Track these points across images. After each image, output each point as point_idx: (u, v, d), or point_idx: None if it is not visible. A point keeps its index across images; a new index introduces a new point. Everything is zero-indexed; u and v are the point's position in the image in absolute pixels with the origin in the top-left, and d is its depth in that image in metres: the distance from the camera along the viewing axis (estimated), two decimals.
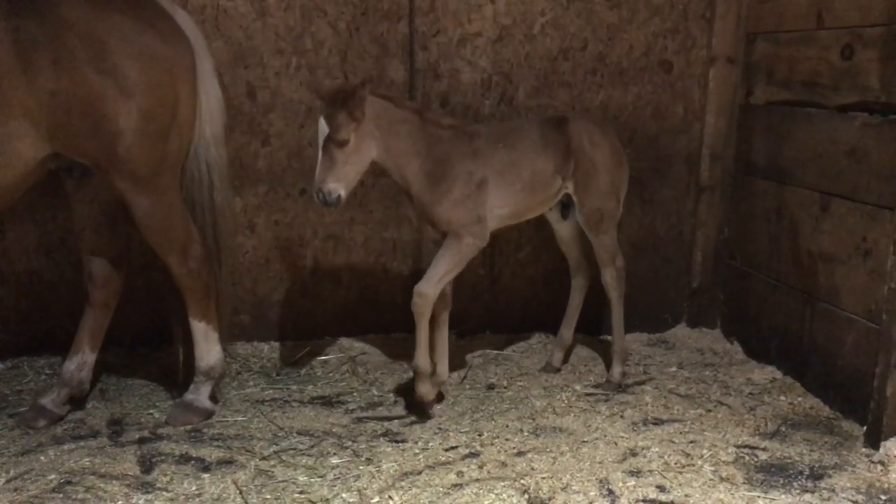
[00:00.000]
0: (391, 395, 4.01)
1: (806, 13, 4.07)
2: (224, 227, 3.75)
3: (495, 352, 4.55)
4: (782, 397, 4.02)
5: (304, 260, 4.58)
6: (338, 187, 3.40)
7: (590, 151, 3.83)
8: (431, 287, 3.56)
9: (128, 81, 3.25)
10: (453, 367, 4.23)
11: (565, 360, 4.33)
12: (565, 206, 4.00)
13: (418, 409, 3.60)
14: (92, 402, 3.86)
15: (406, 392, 3.99)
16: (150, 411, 3.79)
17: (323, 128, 3.38)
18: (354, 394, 4.02)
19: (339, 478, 3.22)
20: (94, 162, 3.33)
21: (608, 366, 4.22)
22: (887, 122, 3.56)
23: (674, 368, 4.40)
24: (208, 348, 3.69)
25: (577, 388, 4.11)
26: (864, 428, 3.58)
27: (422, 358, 3.64)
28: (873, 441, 3.49)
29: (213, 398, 3.78)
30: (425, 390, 3.67)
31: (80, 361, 3.74)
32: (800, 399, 3.99)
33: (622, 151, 4.02)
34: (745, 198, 4.65)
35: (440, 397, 3.86)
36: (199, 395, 3.72)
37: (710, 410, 3.87)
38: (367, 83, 3.42)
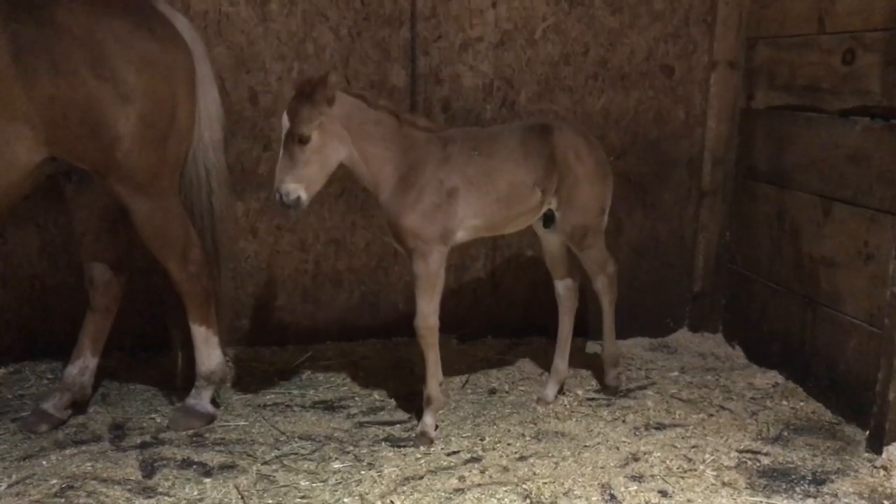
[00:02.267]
0: (393, 399, 4.01)
1: (807, 18, 4.08)
2: (223, 231, 3.74)
3: (497, 356, 4.54)
4: (784, 402, 4.02)
5: (305, 264, 4.58)
6: (297, 189, 3.21)
7: (575, 165, 3.61)
8: (430, 316, 3.47)
9: (126, 86, 3.26)
10: (455, 371, 4.23)
11: (560, 391, 4.04)
12: (547, 217, 3.77)
13: (421, 437, 3.54)
14: (94, 407, 3.85)
15: (408, 398, 4.00)
16: (152, 416, 3.79)
17: (285, 122, 3.20)
18: (356, 398, 4.02)
19: (340, 483, 3.22)
20: (93, 167, 3.34)
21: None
22: (888, 127, 3.56)
23: (675, 373, 4.40)
24: (209, 353, 3.69)
25: (579, 392, 4.10)
26: (867, 433, 3.57)
27: (434, 389, 3.58)
28: (876, 446, 3.48)
29: (214, 403, 3.78)
30: (432, 423, 3.58)
31: (82, 366, 3.74)
32: (802, 404, 3.99)
33: (607, 164, 3.81)
34: (747, 202, 4.65)
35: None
36: (201, 399, 3.72)
37: (712, 415, 3.86)
38: (334, 74, 3.22)
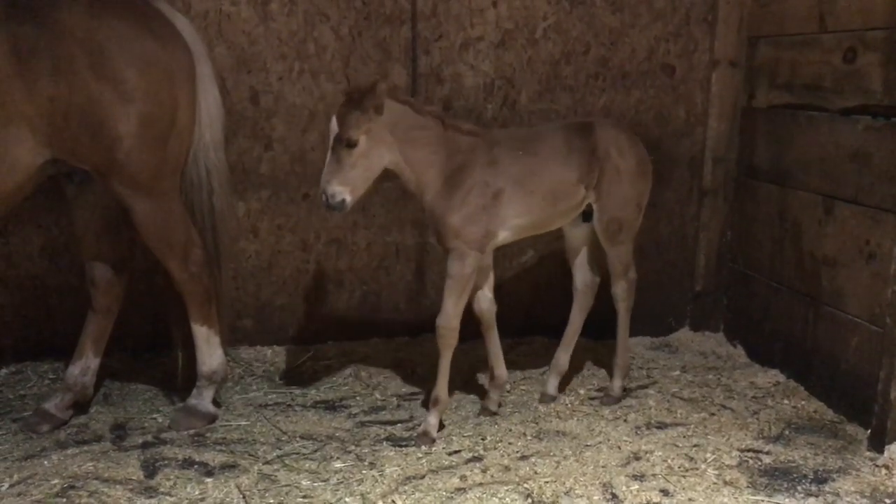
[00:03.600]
0: (394, 399, 4.01)
1: (808, 17, 4.08)
2: (224, 231, 3.74)
3: None
4: (786, 401, 4.02)
5: (306, 264, 4.58)
6: (342, 191, 3.28)
7: (616, 160, 3.66)
8: (454, 318, 3.49)
9: (127, 87, 3.26)
10: (457, 371, 4.22)
11: (561, 388, 4.08)
12: (585, 211, 3.79)
13: (422, 437, 3.54)
14: (95, 407, 3.86)
15: (409, 397, 4.00)
16: (154, 416, 3.79)
17: (334, 127, 3.27)
18: (357, 398, 4.02)
19: (342, 482, 3.22)
20: (94, 167, 3.34)
21: (610, 374, 4.14)
22: (890, 125, 3.56)
23: (677, 372, 4.40)
24: (210, 352, 3.69)
25: (581, 392, 4.10)
26: (868, 431, 3.57)
27: (443, 390, 3.57)
28: (877, 445, 3.48)
29: (216, 402, 3.78)
30: (435, 423, 3.58)
31: (84, 366, 3.74)
32: (803, 403, 3.99)
33: (648, 160, 3.85)
34: (748, 201, 4.65)
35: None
36: (202, 399, 3.72)
37: (713, 414, 3.86)
38: (383, 83, 3.28)
